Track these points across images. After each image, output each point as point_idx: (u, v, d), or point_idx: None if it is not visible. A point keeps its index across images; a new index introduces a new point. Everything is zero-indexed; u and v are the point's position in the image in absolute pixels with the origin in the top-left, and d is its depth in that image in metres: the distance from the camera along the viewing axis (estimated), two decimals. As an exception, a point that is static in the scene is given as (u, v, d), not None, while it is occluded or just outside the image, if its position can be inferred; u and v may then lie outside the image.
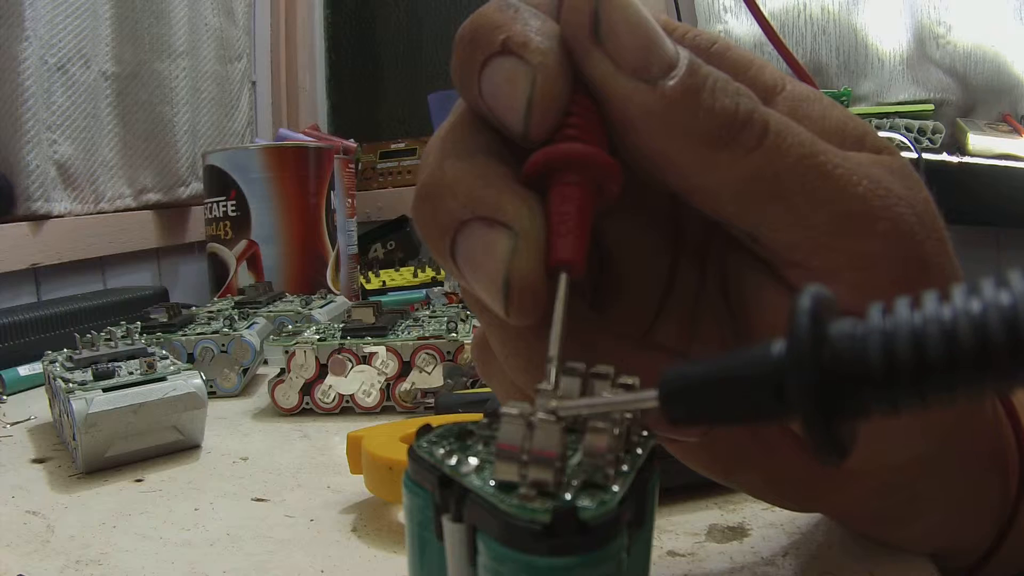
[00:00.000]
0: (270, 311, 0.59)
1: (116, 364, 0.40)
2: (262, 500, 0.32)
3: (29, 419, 0.46)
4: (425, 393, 0.44)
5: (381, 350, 0.44)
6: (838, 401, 0.11)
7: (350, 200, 0.92)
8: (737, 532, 0.26)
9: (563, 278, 0.16)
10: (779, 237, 0.16)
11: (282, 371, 0.45)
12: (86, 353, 0.41)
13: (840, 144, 0.16)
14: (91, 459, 0.35)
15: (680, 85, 0.15)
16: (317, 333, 0.47)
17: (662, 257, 0.20)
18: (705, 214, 0.17)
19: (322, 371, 0.45)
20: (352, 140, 1.12)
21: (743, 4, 1.11)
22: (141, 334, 0.50)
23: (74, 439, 0.35)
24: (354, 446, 0.30)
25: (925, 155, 0.91)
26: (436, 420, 0.17)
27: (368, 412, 0.45)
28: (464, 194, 0.16)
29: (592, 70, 0.16)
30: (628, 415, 0.15)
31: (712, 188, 0.16)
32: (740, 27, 1.12)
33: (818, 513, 0.26)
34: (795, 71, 0.21)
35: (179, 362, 0.40)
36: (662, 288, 0.20)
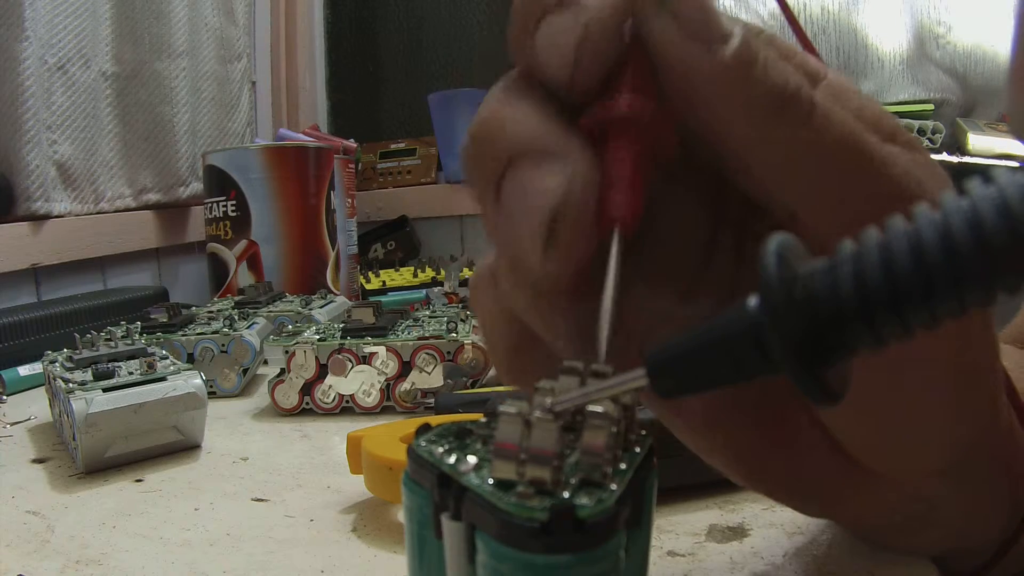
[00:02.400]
0: (270, 311, 0.59)
1: (116, 364, 0.40)
2: (262, 500, 0.32)
3: (29, 419, 0.46)
4: (425, 393, 0.44)
5: (381, 350, 0.44)
6: (820, 343, 0.11)
7: (350, 200, 0.92)
8: (737, 532, 0.26)
9: (616, 235, 0.16)
10: (819, 215, 0.17)
11: (282, 371, 0.45)
12: (86, 353, 0.41)
13: (875, 134, 0.17)
14: (91, 459, 0.35)
15: (736, 54, 0.15)
16: (317, 333, 0.47)
17: (701, 231, 0.20)
18: (747, 190, 0.17)
19: (322, 371, 0.45)
20: (352, 140, 1.13)
21: (743, 4, 1.11)
22: (141, 334, 0.50)
23: (74, 439, 0.35)
24: (354, 446, 0.31)
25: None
26: (436, 420, 0.17)
27: (368, 412, 0.45)
28: (520, 131, 0.16)
29: (655, 31, 0.16)
30: (626, 415, 0.15)
31: (760, 159, 0.16)
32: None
33: (832, 520, 0.26)
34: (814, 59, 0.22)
35: (179, 362, 0.40)
36: (699, 263, 0.20)
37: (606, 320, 0.15)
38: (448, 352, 0.45)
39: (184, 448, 0.39)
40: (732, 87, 0.16)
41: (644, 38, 0.16)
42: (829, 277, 0.11)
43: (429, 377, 0.44)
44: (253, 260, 0.77)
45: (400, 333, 0.46)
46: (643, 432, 0.16)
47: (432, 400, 0.42)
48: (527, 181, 0.16)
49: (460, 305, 0.58)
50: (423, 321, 0.50)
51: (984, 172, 0.11)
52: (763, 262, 0.11)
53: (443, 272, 0.89)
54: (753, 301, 0.12)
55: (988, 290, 0.10)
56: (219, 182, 0.77)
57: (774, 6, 1.10)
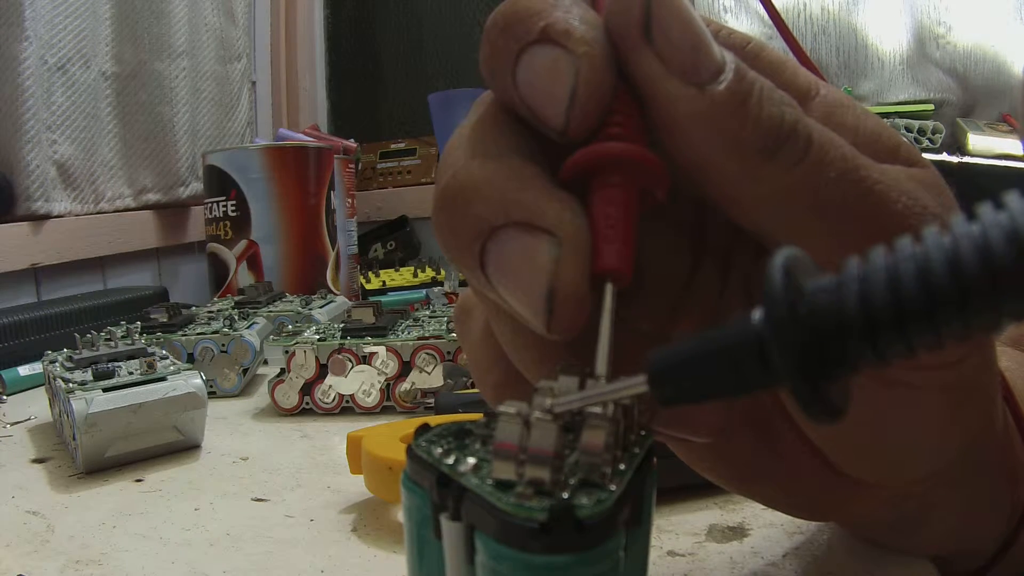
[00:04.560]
0: (270, 311, 0.59)
1: (116, 364, 0.40)
2: (262, 500, 0.32)
3: (29, 419, 0.46)
4: (425, 393, 0.44)
5: (381, 350, 0.44)
6: (823, 358, 0.11)
7: (350, 200, 0.92)
8: (737, 532, 0.26)
9: (609, 288, 0.15)
10: (814, 252, 0.16)
11: (282, 371, 0.45)
12: (86, 353, 0.41)
13: (874, 155, 0.16)
14: (91, 459, 0.35)
15: (728, 91, 0.14)
16: (317, 333, 0.47)
17: (683, 257, 0.20)
18: (736, 223, 0.17)
19: (322, 371, 0.45)
20: (352, 140, 1.13)
21: (744, 4, 1.11)
22: (141, 334, 0.50)
23: (74, 439, 0.35)
24: (354, 446, 0.31)
25: (925, 155, 0.91)
26: (436, 420, 0.17)
27: (368, 412, 0.45)
28: (497, 197, 0.15)
29: (639, 68, 0.15)
30: (625, 415, 0.15)
31: (752, 199, 0.15)
32: (739, 27, 1.12)
33: (827, 521, 0.26)
34: (807, 67, 0.21)
35: (179, 362, 0.40)
36: (681, 287, 0.20)
37: (603, 378, 0.14)
38: (448, 352, 0.45)
39: (184, 448, 0.39)
40: (721, 127, 0.14)
41: (628, 72, 0.15)
42: (834, 295, 0.11)
43: (429, 377, 0.44)
44: (253, 260, 0.77)
45: (400, 333, 0.46)
46: (643, 432, 0.16)
47: (432, 400, 0.42)
48: (516, 257, 0.14)
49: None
50: (423, 321, 0.50)
51: (996, 195, 0.11)
52: (769, 276, 0.11)
53: (443, 272, 0.89)
54: (758, 314, 0.12)
55: (994, 316, 0.10)
56: (219, 182, 0.77)
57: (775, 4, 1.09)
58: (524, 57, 0.15)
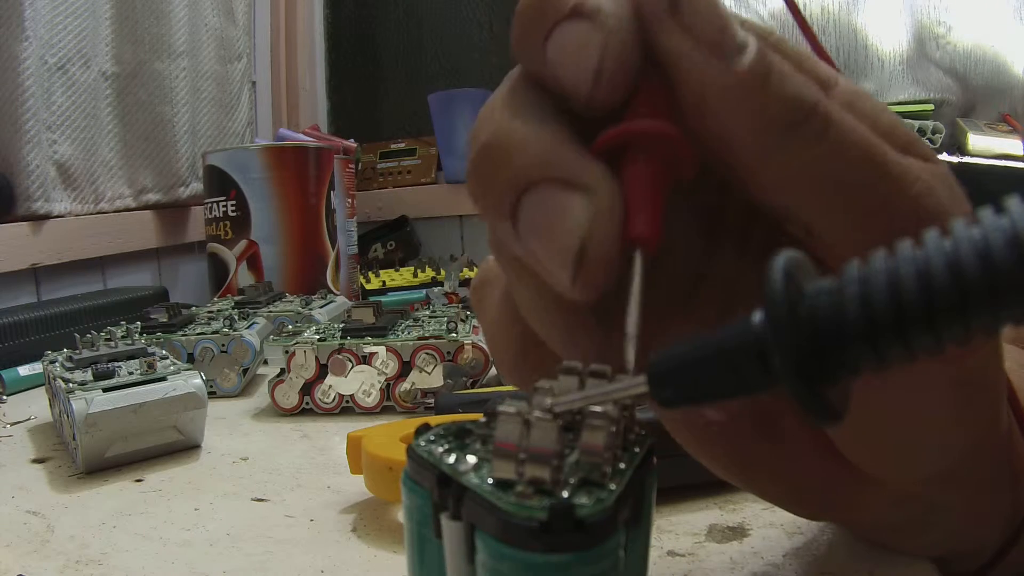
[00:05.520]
0: (270, 311, 0.59)
1: (116, 364, 0.40)
2: (262, 500, 0.32)
3: (29, 419, 0.46)
4: (425, 393, 0.44)
5: (381, 350, 0.44)
6: (823, 360, 0.11)
7: (350, 200, 0.92)
8: (737, 532, 0.26)
9: (639, 255, 0.15)
10: (835, 232, 0.16)
11: (282, 371, 0.45)
12: (86, 353, 0.41)
13: (890, 146, 0.16)
14: (91, 459, 0.35)
15: (752, 66, 0.15)
16: (317, 333, 0.47)
17: (702, 241, 0.20)
18: (760, 204, 0.17)
19: (322, 371, 0.45)
20: (352, 140, 1.13)
21: (744, 3, 1.11)
22: (141, 334, 0.50)
23: (74, 439, 0.35)
24: (354, 446, 0.31)
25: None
26: (436, 420, 0.17)
27: (368, 412, 0.45)
28: (537, 153, 0.15)
29: (668, 43, 0.15)
30: (625, 415, 0.15)
31: (775, 176, 0.16)
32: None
33: (829, 521, 0.26)
34: (824, 61, 0.21)
35: (179, 362, 0.40)
36: (697, 269, 0.20)
37: (632, 337, 0.15)
38: (448, 352, 0.45)
39: (184, 448, 0.39)
40: (746, 101, 0.15)
41: (656, 51, 0.16)
42: (835, 297, 0.11)
43: (429, 377, 0.44)
44: (253, 260, 0.77)
45: (400, 333, 0.46)
46: (643, 432, 0.16)
47: (432, 400, 0.42)
48: (552, 212, 0.15)
49: (460, 305, 0.58)
50: (423, 321, 0.50)
51: (996, 196, 0.11)
52: (769, 278, 0.11)
53: (443, 272, 0.89)
54: (758, 316, 0.12)
55: (994, 319, 0.10)
56: (219, 182, 0.77)
57: (775, 5, 1.09)
58: (555, 34, 0.16)
